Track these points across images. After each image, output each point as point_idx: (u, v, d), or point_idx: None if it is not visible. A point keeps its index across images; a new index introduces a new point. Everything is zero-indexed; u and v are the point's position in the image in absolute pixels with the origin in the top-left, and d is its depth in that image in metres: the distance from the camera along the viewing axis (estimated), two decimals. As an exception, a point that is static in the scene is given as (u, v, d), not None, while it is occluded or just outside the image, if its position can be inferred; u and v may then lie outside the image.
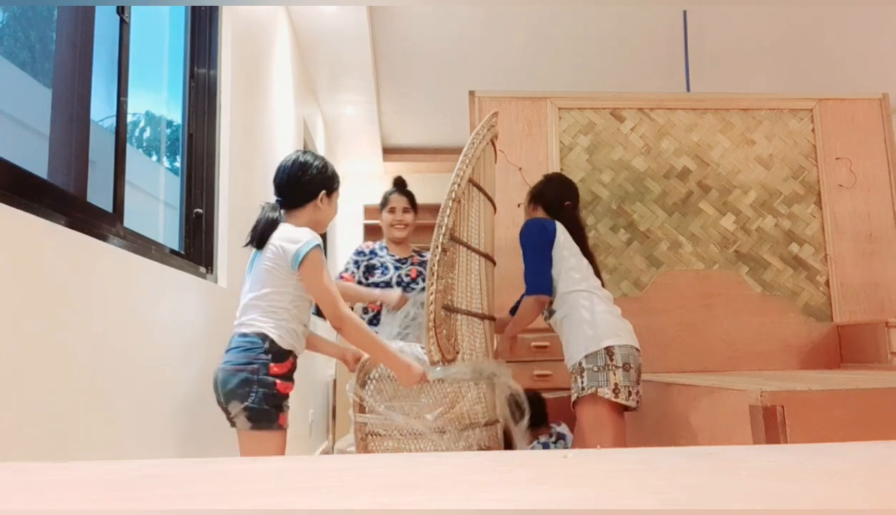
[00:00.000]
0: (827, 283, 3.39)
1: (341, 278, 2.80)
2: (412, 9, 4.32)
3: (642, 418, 2.38)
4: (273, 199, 2.02)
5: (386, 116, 6.29)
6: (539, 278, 2.28)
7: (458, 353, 2.02)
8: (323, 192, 1.99)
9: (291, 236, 1.88)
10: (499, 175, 3.33)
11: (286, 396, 1.86)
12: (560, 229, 2.36)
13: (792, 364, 3.27)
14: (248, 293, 1.92)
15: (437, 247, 1.95)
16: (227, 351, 1.87)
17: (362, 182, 7.53)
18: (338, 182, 2.06)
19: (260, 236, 1.93)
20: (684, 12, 4.37)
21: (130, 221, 1.95)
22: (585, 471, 0.54)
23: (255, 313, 1.87)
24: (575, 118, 3.46)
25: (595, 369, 2.13)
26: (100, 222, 1.73)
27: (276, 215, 1.95)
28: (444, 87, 5.52)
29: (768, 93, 3.64)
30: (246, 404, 1.78)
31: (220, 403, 1.89)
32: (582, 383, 2.15)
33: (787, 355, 3.26)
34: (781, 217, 3.44)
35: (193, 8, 2.66)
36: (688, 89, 4.46)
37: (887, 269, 3.42)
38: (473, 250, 2.14)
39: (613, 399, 2.09)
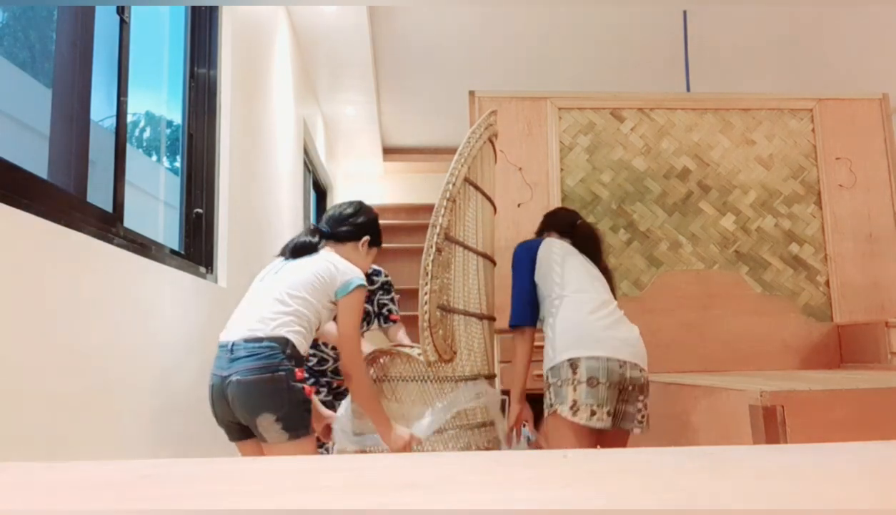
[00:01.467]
0: (827, 283, 3.39)
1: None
2: (412, 9, 4.32)
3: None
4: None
5: (386, 116, 6.29)
6: (517, 307, 2.15)
7: (455, 354, 2.01)
8: (367, 237, 2.05)
9: (345, 264, 1.90)
10: (499, 175, 3.33)
11: (310, 400, 1.79)
12: (547, 244, 2.18)
13: (792, 364, 3.27)
14: (281, 287, 1.81)
15: (431, 247, 1.93)
16: (237, 360, 1.69)
17: (362, 182, 7.53)
18: (380, 242, 2.13)
19: (293, 250, 1.94)
20: (684, 12, 4.37)
21: (130, 221, 1.95)
22: (585, 471, 0.54)
23: (278, 311, 1.75)
24: (575, 118, 3.46)
25: (558, 383, 1.93)
26: (100, 222, 1.73)
27: (314, 239, 1.96)
28: (444, 87, 5.52)
29: (768, 93, 3.64)
30: (281, 413, 1.66)
31: (225, 417, 1.74)
32: (549, 399, 1.96)
33: (787, 355, 3.26)
34: (781, 217, 3.44)
35: (193, 8, 2.66)
36: (688, 89, 4.46)
37: (887, 269, 3.42)
38: (471, 249, 2.13)
39: (570, 418, 1.87)
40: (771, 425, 1.68)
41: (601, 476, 0.52)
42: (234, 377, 1.68)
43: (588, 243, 2.23)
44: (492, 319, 2.30)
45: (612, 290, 2.20)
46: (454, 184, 1.99)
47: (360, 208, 2.10)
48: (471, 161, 2.08)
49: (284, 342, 1.71)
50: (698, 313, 3.27)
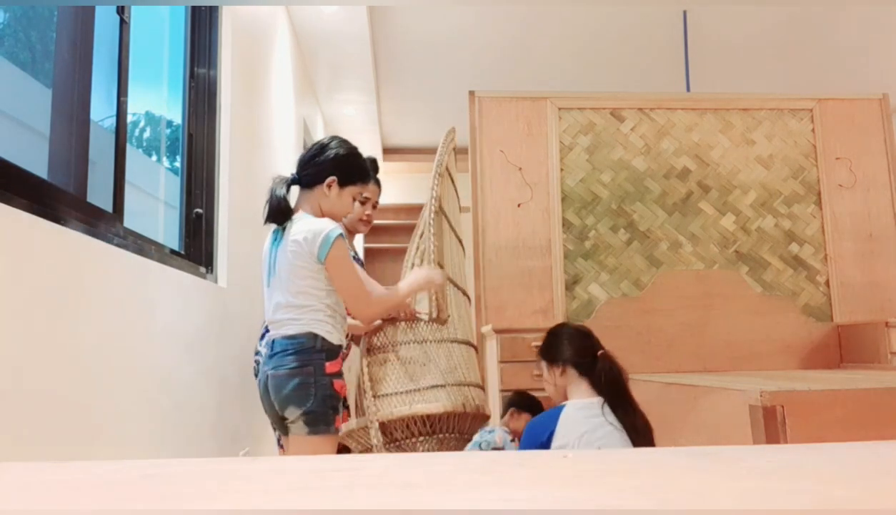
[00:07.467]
0: (827, 283, 3.39)
1: None
2: (412, 9, 4.32)
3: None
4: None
5: (386, 116, 6.29)
6: None
7: (449, 316, 2.21)
8: (333, 178, 1.83)
9: (311, 227, 1.75)
10: (499, 175, 3.34)
11: (341, 397, 1.78)
12: (566, 415, 1.79)
13: (792, 364, 3.27)
14: (277, 292, 1.79)
15: (433, 201, 2.27)
16: (272, 356, 1.76)
17: (362, 182, 7.54)
18: (358, 178, 1.89)
19: (275, 213, 1.80)
20: (684, 12, 4.37)
21: (130, 221, 1.95)
22: (585, 471, 0.54)
23: (295, 313, 1.76)
24: (575, 118, 3.46)
25: None
26: (100, 222, 1.73)
27: (283, 191, 1.81)
28: (444, 87, 5.52)
29: (768, 93, 3.64)
30: (305, 408, 1.70)
31: (269, 410, 1.80)
32: None
33: (787, 355, 3.26)
34: (781, 217, 3.44)
35: (193, 8, 2.66)
36: (688, 89, 4.46)
37: (887, 269, 3.42)
38: (454, 232, 2.52)
39: None
40: (771, 425, 1.68)
41: (601, 476, 0.52)
42: (269, 372, 1.76)
43: (613, 384, 1.85)
44: (469, 298, 2.59)
45: (634, 413, 1.83)
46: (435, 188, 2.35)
47: (326, 144, 1.86)
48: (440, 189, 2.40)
49: (313, 337, 1.74)
50: (698, 313, 3.27)
